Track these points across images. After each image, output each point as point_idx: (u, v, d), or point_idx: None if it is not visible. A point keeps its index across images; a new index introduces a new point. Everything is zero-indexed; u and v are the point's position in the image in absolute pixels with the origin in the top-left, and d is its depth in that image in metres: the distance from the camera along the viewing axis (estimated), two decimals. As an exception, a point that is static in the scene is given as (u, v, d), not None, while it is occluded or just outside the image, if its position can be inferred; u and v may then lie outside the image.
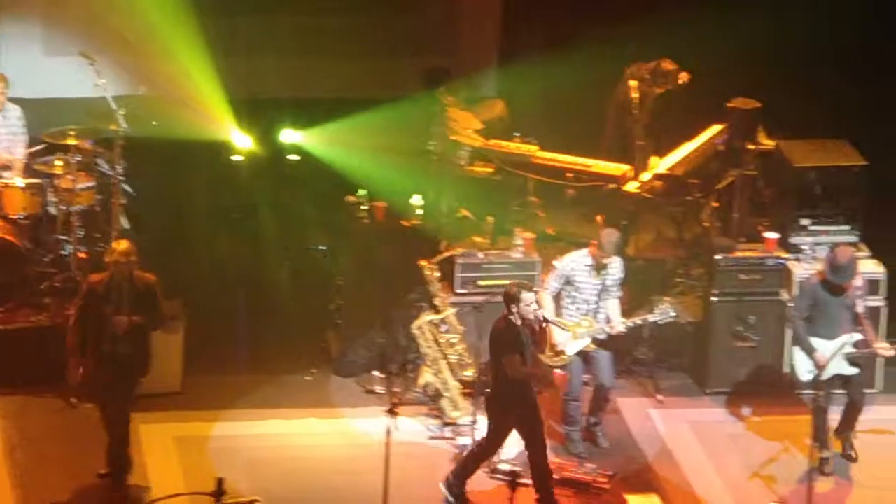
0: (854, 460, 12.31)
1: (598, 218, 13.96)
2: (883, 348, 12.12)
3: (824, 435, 12.13)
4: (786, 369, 13.24)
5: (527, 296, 11.55)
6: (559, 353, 12.48)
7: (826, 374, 12.06)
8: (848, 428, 12.37)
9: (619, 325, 12.41)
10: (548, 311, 12.46)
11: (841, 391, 12.32)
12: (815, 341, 12.13)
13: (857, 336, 12.12)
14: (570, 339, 12.44)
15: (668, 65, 14.48)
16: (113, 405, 11.71)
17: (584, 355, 12.48)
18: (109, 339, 11.58)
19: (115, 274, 11.64)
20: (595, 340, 12.45)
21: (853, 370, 12.18)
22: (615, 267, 12.49)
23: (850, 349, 12.08)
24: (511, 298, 11.56)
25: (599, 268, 12.38)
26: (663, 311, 12.41)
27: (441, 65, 15.06)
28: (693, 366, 13.75)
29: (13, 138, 13.71)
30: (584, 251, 12.52)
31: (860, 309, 12.13)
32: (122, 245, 11.72)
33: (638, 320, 12.45)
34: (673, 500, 12.12)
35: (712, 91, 14.65)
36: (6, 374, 12.85)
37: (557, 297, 12.53)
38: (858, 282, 12.13)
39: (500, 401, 11.65)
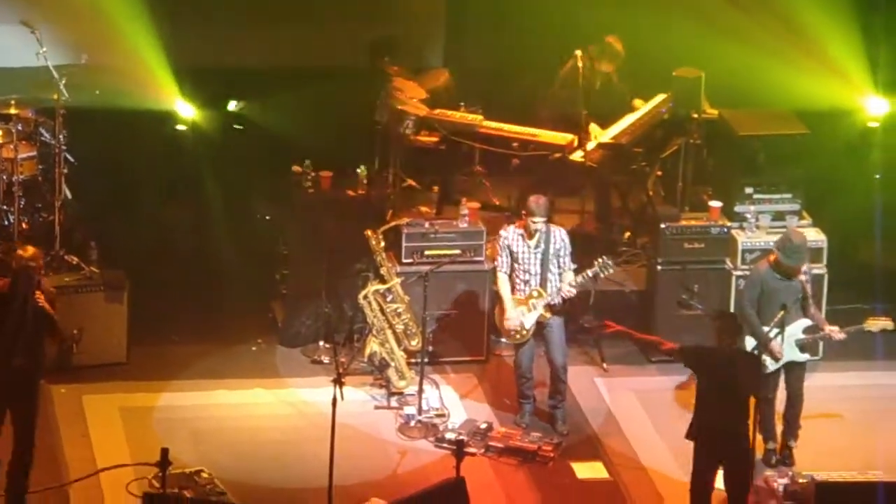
0: (792, 452, 12.29)
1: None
2: (834, 331, 12.10)
3: (771, 425, 12.12)
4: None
5: None
6: (518, 330, 12.49)
7: (779, 364, 12.07)
8: (790, 422, 12.28)
9: (567, 287, 12.42)
10: (504, 290, 12.49)
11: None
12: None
13: (807, 322, 12.12)
14: (524, 313, 12.45)
15: (615, 42, 14.45)
16: (15, 419, 11.20)
17: (538, 329, 12.48)
18: (5, 350, 11.08)
19: (20, 280, 11.09)
20: (550, 308, 12.45)
21: (804, 356, 12.19)
22: (556, 235, 12.50)
23: (801, 336, 12.09)
24: None
25: (531, 234, 12.39)
26: (604, 264, 12.42)
27: (387, 34, 15.00)
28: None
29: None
30: (515, 224, 12.54)
31: (809, 293, 12.10)
32: (29, 251, 11.18)
33: (580, 278, 12.44)
34: (618, 468, 12.18)
35: (657, 60, 14.68)
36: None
37: (512, 270, 12.53)
38: (805, 266, 12.11)
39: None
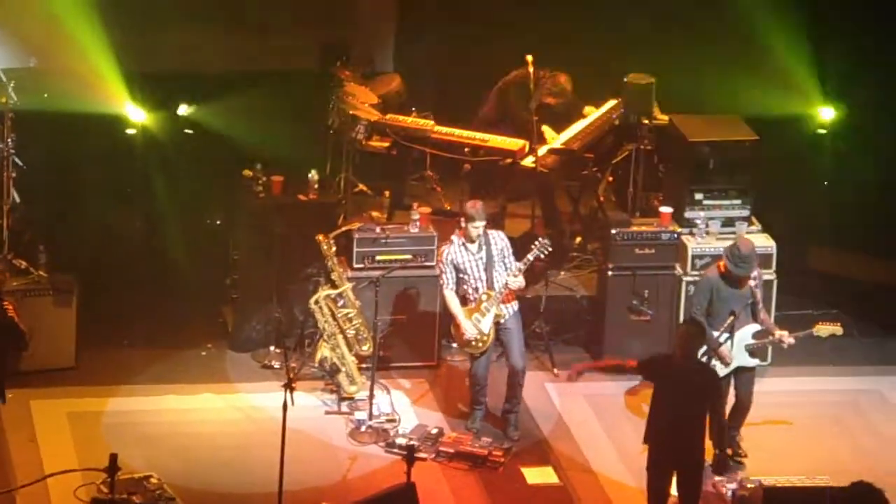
0: (744, 457, 12.34)
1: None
2: (784, 336, 12.16)
3: (721, 431, 12.15)
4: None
5: None
6: (479, 338, 12.47)
7: (729, 369, 12.12)
8: (736, 428, 12.39)
9: (513, 280, 12.40)
10: (454, 306, 12.48)
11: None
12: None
13: (757, 327, 12.18)
14: (479, 320, 12.44)
15: (566, 83, 14.44)
16: None
17: (497, 333, 12.48)
18: None
19: None
20: (510, 297, 12.45)
21: (754, 361, 12.25)
22: (495, 237, 12.50)
23: (750, 340, 12.14)
24: None
25: (472, 240, 12.40)
26: (542, 245, 12.41)
27: (338, 39, 14.99)
28: (589, 339, 13.85)
29: None
30: (454, 235, 12.53)
31: (758, 298, 12.16)
32: None
33: (520, 264, 12.41)
34: (567, 473, 12.21)
35: (608, 66, 14.73)
36: None
37: (460, 283, 12.52)
38: (755, 272, 12.17)
39: None
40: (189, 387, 12.97)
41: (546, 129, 14.34)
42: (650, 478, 11.12)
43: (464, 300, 12.53)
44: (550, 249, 12.52)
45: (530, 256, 12.44)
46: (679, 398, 11.02)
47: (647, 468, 11.13)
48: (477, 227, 12.37)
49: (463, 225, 12.45)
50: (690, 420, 11.02)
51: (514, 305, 12.52)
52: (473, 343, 12.48)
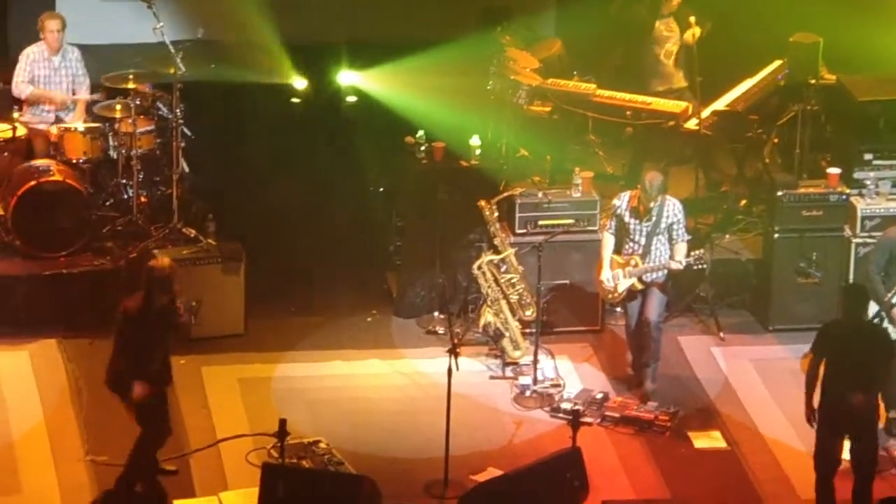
0: None
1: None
2: None
3: (894, 392, 11.89)
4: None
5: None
6: (610, 291, 12.46)
7: None
8: None
9: (674, 264, 12.32)
10: (605, 250, 12.46)
11: None
12: None
13: None
14: (620, 276, 12.40)
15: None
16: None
17: (636, 294, 12.42)
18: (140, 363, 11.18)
19: (155, 292, 11.03)
20: (648, 281, 12.37)
21: None
22: (669, 210, 12.39)
23: None
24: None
25: (644, 212, 12.30)
26: (697, 258, 12.30)
27: (499, 4, 14.96)
28: (755, 303, 13.69)
29: (76, 79, 13.81)
30: (629, 194, 12.46)
31: None
32: (164, 262, 11.13)
33: (676, 265, 12.29)
34: (735, 437, 12.09)
35: (773, 26, 14.50)
36: (69, 318, 12.96)
37: (621, 236, 12.48)
38: None
39: None
40: (355, 353, 13.08)
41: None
42: (820, 441, 10.96)
43: (619, 247, 12.45)
44: (706, 266, 12.37)
45: (684, 263, 12.27)
46: (850, 361, 10.83)
47: (816, 432, 10.97)
48: (650, 202, 12.25)
49: (638, 190, 12.35)
50: (862, 383, 10.82)
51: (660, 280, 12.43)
52: (604, 288, 12.41)
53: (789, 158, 14.26)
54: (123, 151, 13.64)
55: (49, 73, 13.73)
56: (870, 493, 10.92)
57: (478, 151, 13.75)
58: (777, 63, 14.44)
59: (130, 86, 13.53)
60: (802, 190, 13.49)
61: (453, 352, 11.37)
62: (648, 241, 12.36)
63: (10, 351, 12.77)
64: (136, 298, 11.07)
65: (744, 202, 14.41)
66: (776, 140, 14.51)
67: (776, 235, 13.45)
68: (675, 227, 12.39)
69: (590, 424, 11.97)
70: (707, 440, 12.13)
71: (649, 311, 12.42)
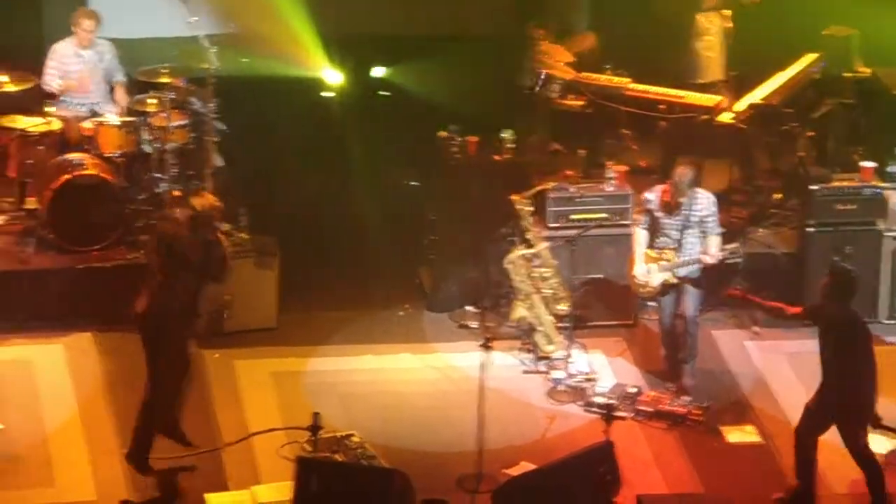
0: None
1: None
2: None
3: None
4: (882, 301, 13.12)
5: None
6: (643, 286, 12.43)
7: None
8: None
9: (707, 258, 12.29)
10: (637, 244, 12.44)
11: None
12: None
13: None
14: (653, 270, 12.37)
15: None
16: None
17: (670, 289, 12.39)
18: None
19: (200, 228, 11.33)
20: (682, 276, 12.34)
21: None
22: (702, 203, 12.35)
23: None
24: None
25: (676, 206, 12.26)
26: (733, 250, 12.27)
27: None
28: (789, 297, 13.61)
29: (111, 73, 13.88)
30: (661, 188, 12.43)
31: None
32: (207, 198, 11.40)
33: (710, 258, 12.27)
34: (769, 432, 12.05)
35: (807, 19, 14.44)
36: (103, 311, 13.01)
37: (653, 231, 12.45)
38: None
39: None
40: (387, 347, 13.09)
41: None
42: (807, 423, 10.97)
43: (652, 241, 12.43)
44: (740, 259, 12.34)
45: (718, 256, 12.24)
46: (845, 345, 10.86)
47: (805, 407, 10.99)
48: (680, 197, 12.20)
49: (669, 185, 12.32)
50: (854, 368, 10.83)
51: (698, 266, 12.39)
52: (638, 283, 12.38)
53: (823, 152, 14.20)
54: (157, 145, 13.68)
55: (81, 67, 13.79)
56: None
57: (511, 145, 13.73)
58: (812, 56, 14.38)
59: (164, 80, 13.58)
60: (836, 184, 13.44)
61: (486, 346, 11.37)
62: (680, 235, 12.33)
63: (45, 344, 12.84)
64: (171, 224, 11.24)
65: (778, 196, 14.36)
66: (811, 133, 14.45)
67: (810, 229, 13.40)
68: (707, 220, 12.35)
69: (623, 419, 11.95)
70: (740, 434, 12.10)
71: (686, 306, 12.39)
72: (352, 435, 11.69)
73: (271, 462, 11.51)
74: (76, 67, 13.76)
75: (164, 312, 11.15)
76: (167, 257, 11.16)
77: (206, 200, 11.35)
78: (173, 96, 13.64)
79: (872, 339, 11.07)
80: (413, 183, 14.49)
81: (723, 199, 12.83)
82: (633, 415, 12.21)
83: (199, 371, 12.16)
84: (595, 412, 12.10)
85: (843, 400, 10.96)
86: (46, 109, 13.64)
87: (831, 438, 11.35)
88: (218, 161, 13.87)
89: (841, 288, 11.04)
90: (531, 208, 13.08)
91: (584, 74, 14.44)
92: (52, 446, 11.73)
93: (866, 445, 11.06)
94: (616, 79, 14.39)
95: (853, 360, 10.90)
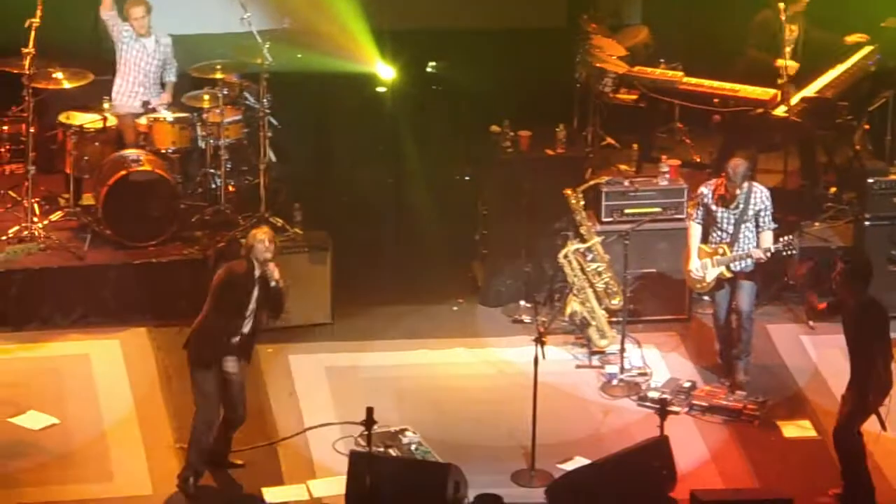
0: None
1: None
2: None
3: None
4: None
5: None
6: (699, 280, 12.38)
7: None
8: None
9: (759, 253, 12.23)
10: (692, 239, 12.39)
11: None
12: None
13: None
14: (708, 265, 12.32)
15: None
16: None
17: (725, 283, 12.34)
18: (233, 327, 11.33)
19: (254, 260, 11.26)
20: (737, 271, 12.28)
21: None
22: (756, 197, 12.28)
23: None
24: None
25: (729, 199, 12.20)
26: (787, 244, 12.19)
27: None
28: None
29: (166, 65, 13.95)
30: (715, 182, 12.37)
31: None
32: (264, 230, 11.32)
33: (762, 254, 12.20)
34: (825, 426, 11.96)
35: (864, 10, 14.32)
36: (160, 307, 13.09)
37: (708, 225, 12.40)
38: None
39: None
40: (440, 341, 13.10)
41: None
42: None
43: (706, 236, 12.37)
44: (795, 252, 12.27)
45: (772, 248, 12.17)
46: (855, 335, 10.91)
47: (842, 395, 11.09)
48: (734, 189, 12.15)
49: (724, 178, 12.27)
50: (872, 356, 10.88)
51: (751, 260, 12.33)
52: (693, 278, 12.32)
53: (880, 145, 14.10)
54: (211, 141, 13.74)
55: (140, 55, 13.87)
56: None
57: (563, 140, 13.70)
58: (868, 48, 14.27)
59: (218, 76, 13.63)
60: (893, 177, 13.35)
61: (539, 340, 11.36)
62: (736, 229, 12.27)
63: (101, 339, 12.93)
64: (241, 263, 11.17)
65: (833, 189, 14.27)
66: (867, 126, 14.35)
67: (867, 223, 13.31)
68: (762, 214, 12.29)
69: (677, 413, 11.91)
70: (796, 429, 12.03)
71: (741, 301, 12.33)
72: (406, 429, 11.71)
73: (326, 456, 11.55)
74: (135, 54, 13.83)
75: (211, 346, 11.14)
76: (228, 292, 11.13)
77: (260, 233, 11.24)
78: (227, 92, 13.69)
79: (889, 324, 11.02)
80: (466, 178, 14.48)
81: (778, 194, 12.75)
82: (687, 409, 12.17)
83: (254, 365, 12.20)
84: (649, 407, 12.07)
85: (866, 384, 10.96)
86: (105, 106, 13.72)
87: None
88: (271, 156, 13.90)
89: (856, 274, 10.98)
90: (584, 202, 13.05)
91: (637, 68, 14.39)
92: (109, 441, 11.81)
93: (859, 433, 11.02)
94: (669, 72, 14.34)
95: (879, 344, 10.93)
